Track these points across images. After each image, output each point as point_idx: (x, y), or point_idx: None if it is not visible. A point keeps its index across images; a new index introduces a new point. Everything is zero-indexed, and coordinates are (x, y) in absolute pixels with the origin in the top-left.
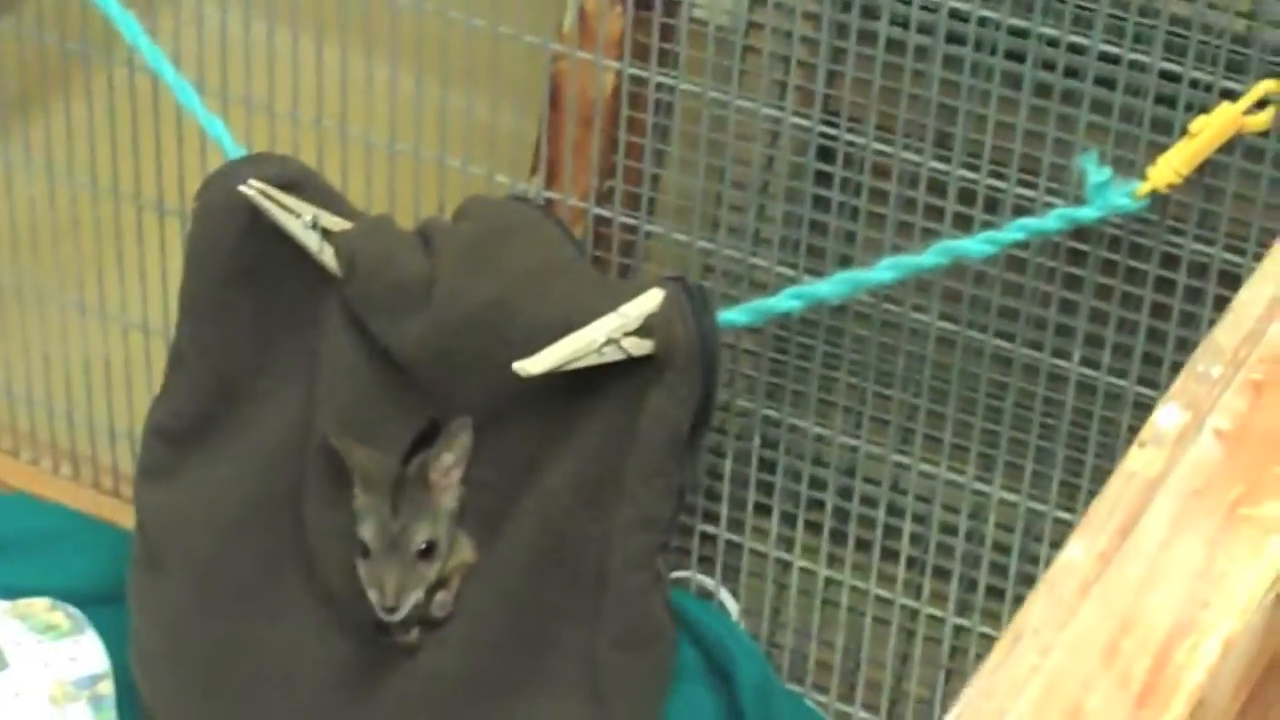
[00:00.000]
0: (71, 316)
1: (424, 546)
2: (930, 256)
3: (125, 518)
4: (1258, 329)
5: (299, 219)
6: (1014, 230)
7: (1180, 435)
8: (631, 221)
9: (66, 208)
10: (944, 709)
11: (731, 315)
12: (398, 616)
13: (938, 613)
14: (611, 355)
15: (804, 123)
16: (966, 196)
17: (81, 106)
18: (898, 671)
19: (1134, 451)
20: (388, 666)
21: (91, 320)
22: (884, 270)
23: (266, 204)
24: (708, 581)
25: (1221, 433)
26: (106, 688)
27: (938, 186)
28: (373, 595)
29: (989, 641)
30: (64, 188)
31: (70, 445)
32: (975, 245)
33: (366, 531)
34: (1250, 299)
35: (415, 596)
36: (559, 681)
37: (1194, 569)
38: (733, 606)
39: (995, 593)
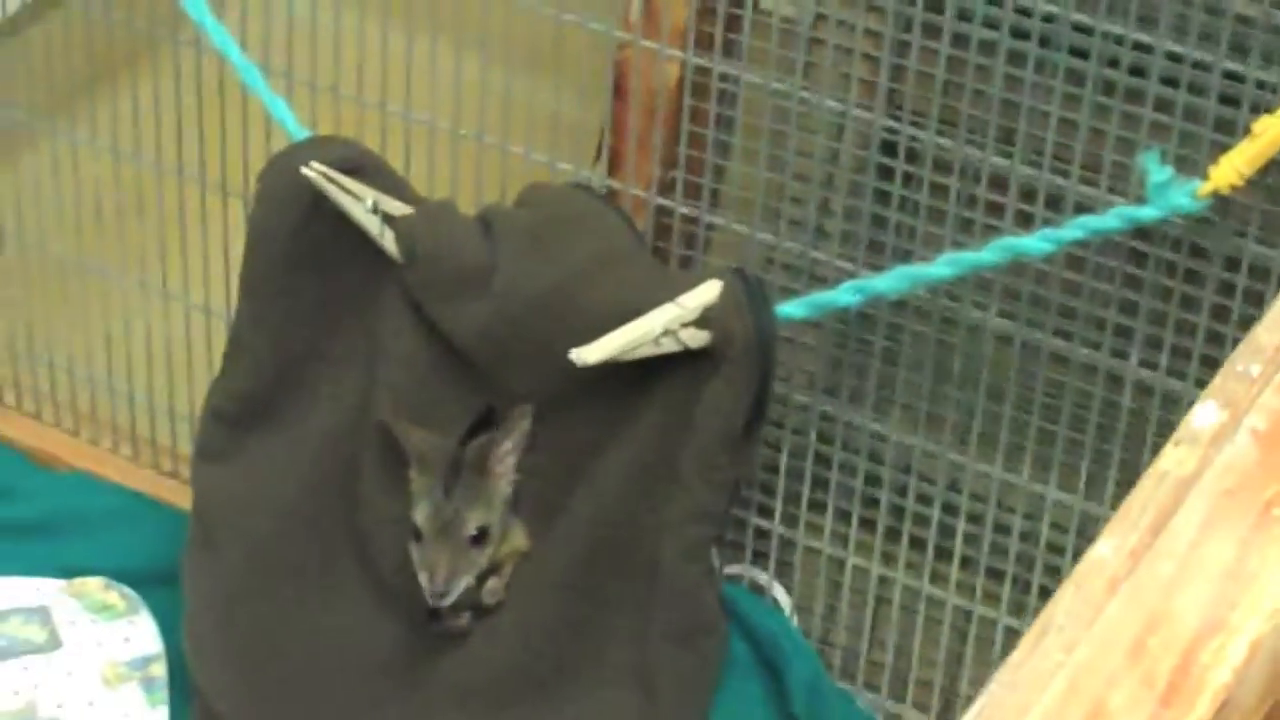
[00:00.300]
0: (134, 298)
1: (476, 533)
2: (990, 253)
3: (184, 499)
4: None
5: (361, 203)
6: (1074, 229)
7: (1216, 434)
8: (693, 213)
9: (132, 188)
10: None
11: (790, 309)
12: (447, 601)
13: (991, 613)
14: (668, 346)
15: (867, 116)
16: (1028, 193)
17: (147, 86)
18: (950, 671)
19: (1168, 450)
20: (439, 653)
21: (154, 302)
22: (943, 266)
23: (329, 187)
24: (761, 576)
25: (1258, 433)
26: (159, 669)
27: (999, 182)
28: (423, 579)
29: None
30: (129, 168)
31: (130, 426)
32: (1035, 243)
33: (419, 514)
34: None
35: (465, 582)
36: (610, 671)
37: (1224, 569)
38: (785, 602)
39: (1048, 594)
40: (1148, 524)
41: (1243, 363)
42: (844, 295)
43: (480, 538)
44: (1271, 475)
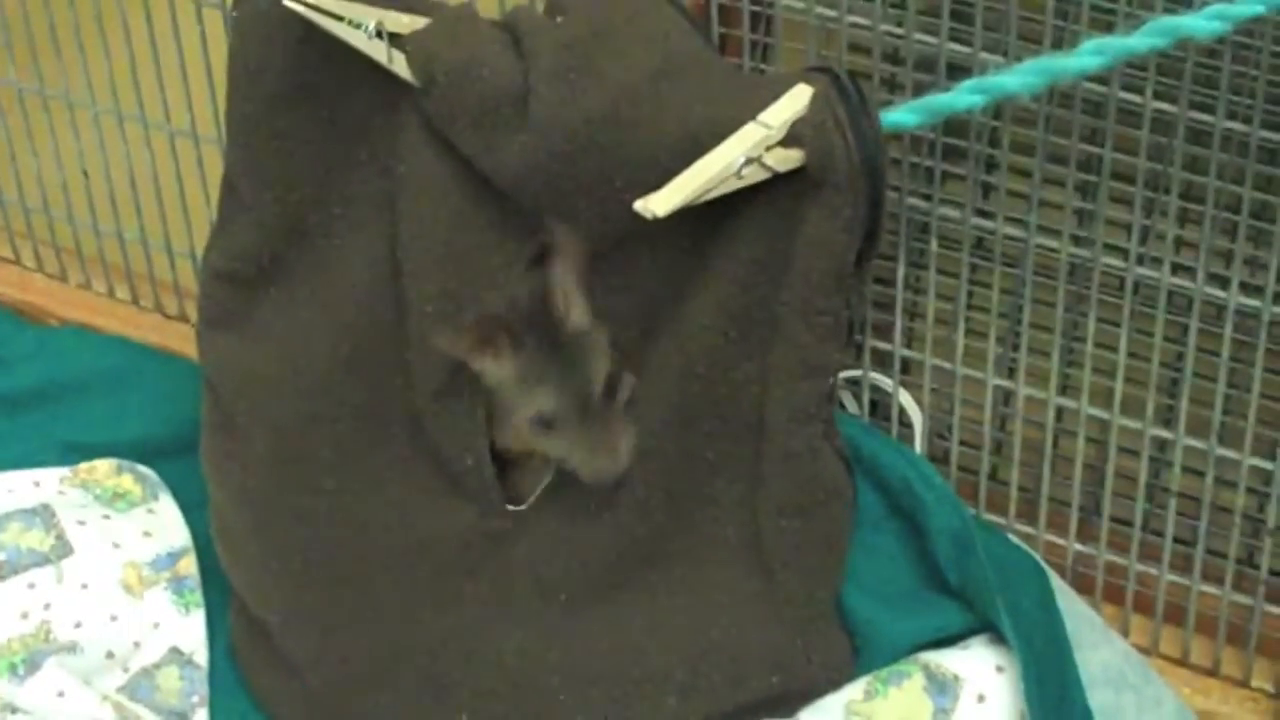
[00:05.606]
0: (109, 125)
1: (605, 386)
2: (1145, 37)
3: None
4: None
5: (359, 29)
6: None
7: None
8: None
9: (87, 5)
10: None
11: (897, 116)
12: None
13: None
14: (754, 176)
15: None
16: None
17: None
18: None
19: None
20: (517, 541)
21: (132, 128)
22: (1088, 56)
23: (317, 17)
24: (884, 382)
25: None
26: (189, 565)
27: None
28: (594, 466)
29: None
30: None
31: (124, 266)
32: (1201, 23)
33: (543, 401)
34: None
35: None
36: (718, 550)
37: None
38: (916, 415)
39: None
40: None
41: None
42: (964, 97)
43: (612, 388)
44: None
